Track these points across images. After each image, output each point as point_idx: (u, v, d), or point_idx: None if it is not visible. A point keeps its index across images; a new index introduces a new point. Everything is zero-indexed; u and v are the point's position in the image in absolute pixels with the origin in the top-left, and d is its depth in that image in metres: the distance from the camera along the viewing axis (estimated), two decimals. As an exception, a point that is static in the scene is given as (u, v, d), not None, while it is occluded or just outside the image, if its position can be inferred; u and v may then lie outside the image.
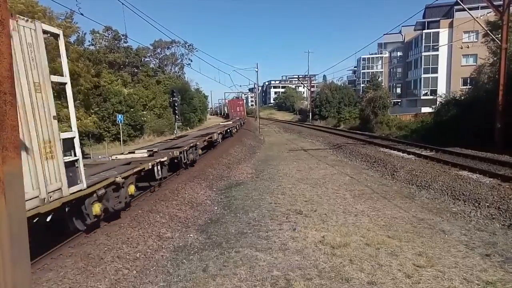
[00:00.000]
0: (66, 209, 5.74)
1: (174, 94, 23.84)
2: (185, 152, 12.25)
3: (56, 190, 5.22)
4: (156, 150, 11.32)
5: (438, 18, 51.22)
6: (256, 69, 39.71)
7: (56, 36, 5.51)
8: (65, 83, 5.63)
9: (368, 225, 7.36)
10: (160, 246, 6.52)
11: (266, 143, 27.31)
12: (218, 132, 20.33)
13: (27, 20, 4.87)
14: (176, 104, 23.59)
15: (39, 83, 4.94)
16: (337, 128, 40.32)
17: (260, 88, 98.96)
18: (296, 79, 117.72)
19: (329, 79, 66.40)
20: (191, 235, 7.20)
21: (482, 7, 36.30)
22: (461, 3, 21.18)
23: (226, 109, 67.92)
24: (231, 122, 34.24)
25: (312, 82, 67.57)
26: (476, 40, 36.56)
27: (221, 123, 35.70)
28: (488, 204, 8.24)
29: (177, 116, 24.34)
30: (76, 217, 6.12)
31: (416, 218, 7.79)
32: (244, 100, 67.44)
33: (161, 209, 8.50)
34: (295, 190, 10.75)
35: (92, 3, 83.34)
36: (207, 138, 17.08)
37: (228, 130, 24.80)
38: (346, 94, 48.73)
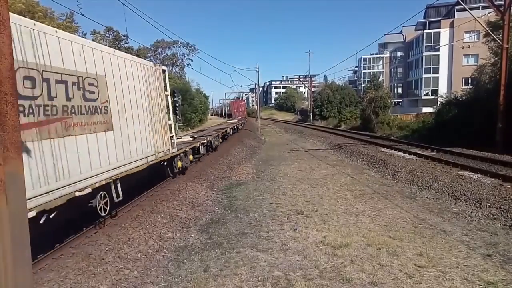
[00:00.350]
0: (165, 163, 10.65)
1: (175, 94, 23.94)
2: (212, 139, 17.89)
3: (167, 150, 10.32)
4: (196, 136, 17.77)
5: (439, 18, 51.17)
6: (257, 70, 39.74)
7: (164, 71, 10.55)
8: (167, 95, 10.64)
9: (369, 225, 7.35)
10: (161, 247, 6.52)
11: (267, 143, 27.31)
12: (230, 127, 27.43)
13: (155, 64, 10.03)
14: (177, 104, 23.73)
15: (161, 96, 10.11)
16: (338, 128, 40.30)
17: (261, 88, 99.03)
18: (297, 79, 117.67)
19: (330, 79, 66.38)
20: (192, 236, 7.20)
21: (483, 7, 36.25)
22: (462, 3, 21.13)
23: (228, 109, 68.86)
24: (237, 120, 41.00)
25: (313, 82, 67.54)
26: (477, 40, 36.50)
27: (228, 121, 42.93)
28: (489, 204, 8.23)
29: (177, 117, 24.45)
30: (170, 168, 11.17)
31: (417, 218, 7.78)
32: (245, 101, 67.58)
33: (162, 209, 8.51)
34: (296, 190, 10.75)
35: (93, 4, 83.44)
36: (223, 131, 22.95)
37: (235, 127, 31.59)
38: (347, 94, 48.66)
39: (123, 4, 12.55)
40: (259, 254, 6.01)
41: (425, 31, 51.72)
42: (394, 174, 12.58)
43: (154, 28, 63.62)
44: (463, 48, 42.41)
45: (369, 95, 34.14)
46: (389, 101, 33.70)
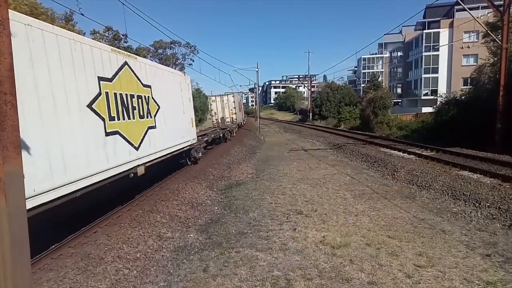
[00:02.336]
0: (190, 149, 14.13)
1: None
2: (225, 132, 24.23)
3: (193, 139, 13.71)
4: (210, 131, 22.76)
5: (439, 18, 51.21)
6: (257, 69, 39.75)
7: (189, 80, 14.04)
8: (190, 98, 13.77)
9: (369, 225, 7.36)
10: (161, 246, 6.52)
11: (267, 143, 27.30)
12: (234, 126, 29.86)
13: (184, 74, 13.62)
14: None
15: (190, 99, 13.72)
16: (338, 128, 40.30)
17: (260, 88, 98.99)
18: (297, 79, 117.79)
19: (330, 79, 66.36)
20: (191, 235, 7.19)
21: (483, 7, 36.30)
22: (461, 3, 21.13)
23: None
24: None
25: (313, 82, 67.50)
26: (477, 40, 36.54)
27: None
28: (488, 204, 8.24)
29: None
30: (189, 156, 14.40)
31: (416, 218, 7.79)
32: (245, 100, 67.52)
33: (161, 209, 8.50)
34: (296, 190, 10.75)
35: (93, 3, 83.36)
36: (228, 128, 26.10)
37: (239, 124, 34.18)
38: (347, 94, 48.63)
39: (123, 4, 12.53)
40: (259, 254, 6.01)
41: (424, 31, 51.75)
42: (394, 174, 12.59)
43: (153, 28, 63.53)
44: (462, 48, 42.51)
45: (369, 95, 34.13)
46: (388, 101, 33.69)
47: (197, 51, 44.51)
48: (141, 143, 8.84)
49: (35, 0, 22.02)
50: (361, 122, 36.63)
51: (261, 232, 7.13)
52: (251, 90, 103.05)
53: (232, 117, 30.30)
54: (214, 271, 5.45)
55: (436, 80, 50.44)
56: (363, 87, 60.91)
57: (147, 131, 9.28)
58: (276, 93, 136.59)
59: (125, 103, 8.13)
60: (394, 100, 54.40)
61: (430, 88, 50.42)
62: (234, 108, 31.05)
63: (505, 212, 7.66)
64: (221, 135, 23.36)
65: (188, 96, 13.59)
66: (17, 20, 4.94)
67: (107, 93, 7.34)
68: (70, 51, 6.21)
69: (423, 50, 50.86)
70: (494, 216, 7.65)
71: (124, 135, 7.97)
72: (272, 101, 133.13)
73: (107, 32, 34.50)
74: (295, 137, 31.85)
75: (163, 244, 6.64)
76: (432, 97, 44.97)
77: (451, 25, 47.51)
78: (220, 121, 29.41)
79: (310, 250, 6.11)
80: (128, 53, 8.98)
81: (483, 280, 4.87)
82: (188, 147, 13.39)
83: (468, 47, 41.59)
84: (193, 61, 45.90)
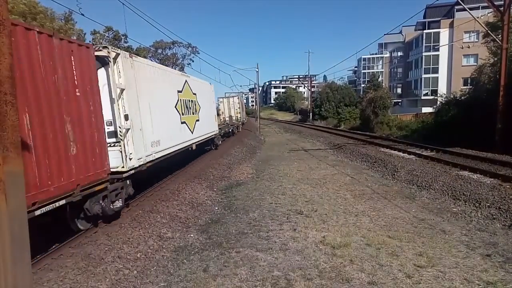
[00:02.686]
0: (214, 138, 19.22)
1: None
2: (233, 128, 29.74)
3: (216, 130, 19.36)
4: (223, 126, 26.79)
5: (439, 18, 51.16)
6: (257, 69, 39.72)
7: (213, 87, 20.27)
8: (213, 100, 20.28)
9: (369, 225, 7.36)
10: (161, 246, 6.52)
11: (267, 143, 27.30)
12: (239, 123, 35.05)
13: (210, 83, 19.94)
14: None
15: (213, 101, 20.76)
16: (338, 128, 40.30)
17: (260, 88, 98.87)
18: (297, 79, 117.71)
19: (330, 79, 66.31)
20: (191, 235, 7.19)
21: (483, 7, 36.29)
22: (461, 3, 21.13)
23: None
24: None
25: (313, 82, 67.52)
26: (477, 40, 36.52)
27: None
28: (488, 204, 8.24)
29: None
30: (213, 143, 19.54)
31: (416, 218, 7.79)
32: (245, 101, 67.52)
33: (161, 209, 8.50)
34: (296, 190, 10.75)
35: (93, 3, 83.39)
36: (235, 125, 31.77)
37: (242, 122, 38.14)
38: (347, 94, 48.59)
39: (123, 4, 12.54)
40: (259, 254, 6.01)
41: (424, 31, 51.71)
42: (394, 174, 12.59)
43: (153, 28, 63.56)
44: (462, 48, 42.42)
45: (369, 95, 34.11)
46: (388, 101, 33.67)
47: (198, 52, 44.53)
48: (193, 130, 14.08)
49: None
50: (361, 122, 36.61)
51: (261, 232, 7.13)
52: (251, 90, 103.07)
53: (237, 116, 35.62)
54: (214, 271, 5.45)
55: (436, 80, 50.40)
56: (363, 87, 60.88)
57: (195, 122, 14.51)
58: (276, 93, 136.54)
59: (187, 105, 13.36)
60: (394, 100, 54.38)
61: (430, 88, 50.36)
62: (239, 108, 36.64)
63: (505, 212, 7.66)
64: (230, 130, 29.27)
65: (213, 99, 20.03)
66: (141, 62, 9.16)
67: (180, 99, 12.44)
68: (168, 77, 11.52)
69: (423, 50, 50.82)
70: (494, 216, 7.65)
71: (187, 124, 13.22)
72: (272, 101, 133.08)
73: (107, 32, 34.50)
74: (295, 137, 31.85)
75: (164, 244, 6.64)
76: (432, 97, 44.92)
77: (451, 25, 47.48)
78: (228, 119, 33.97)
79: (310, 250, 6.11)
80: (186, 74, 15.02)
81: (483, 280, 4.87)
82: (213, 136, 18.85)
83: (468, 47, 41.54)
84: (193, 60, 45.89)
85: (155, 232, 7.08)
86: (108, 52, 7.25)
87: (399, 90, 63.82)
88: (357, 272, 5.20)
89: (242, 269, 5.46)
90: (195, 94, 14.66)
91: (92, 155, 6.36)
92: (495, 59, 19.78)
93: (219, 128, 22.05)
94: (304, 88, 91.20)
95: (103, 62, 7.26)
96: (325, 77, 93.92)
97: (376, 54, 76.29)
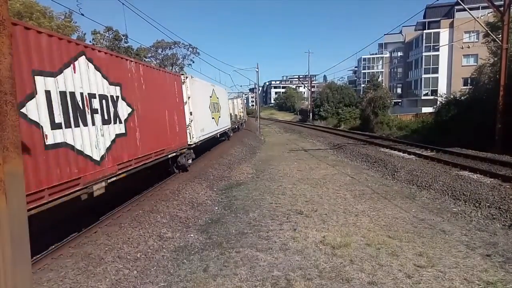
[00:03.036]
0: (226, 132, 24.68)
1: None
2: (239, 125, 35.93)
3: (229, 125, 25.45)
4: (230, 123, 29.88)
5: (439, 18, 51.19)
6: (257, 69, 39.73)
7: (226, 90, 29.86)
8: (226, 101, 26.61)
9: (369, 225, 7.36)
10: (161, 246, 6.52)
11: (267, 143, 27.31)
12: (242, 121, 40.77)
13: (225, 89, 28.88)
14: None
15: (226, 102, 26.63)
16: (338, 128, 40.31)
17: (260, 88, 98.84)
18: (297, 79, 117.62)
19: (330, 79, 66.33)
20: (191, 235, 7.19)
21: (483, 7, 36.31)
22: (461, 3, 21.14)
23: None
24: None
25: (313, 82, 67.49)
26: (477, 40, 36.55)
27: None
28: (488, 204, 8.24)
29: None
30: (227, 135, 25.49)
31: (416, 218, 7.79)
32: (245, 100, 67.61)
33: (161, 209, 8.50)
34: (296, 190, 10.75)
35: (93, 3, 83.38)
36: (241, 122, 37.66)
37: (244, 120, 43.38)
38: (347, 94, 48.60)
39: (123, 4, 12.54)
40: (259, 254, 6.01)
41: (424, 31, 51.74)
42: (394, 174, 12.59)
43: (154, 28, 63.52)
44: (462, 48, 42.51)
45: (369, 95, 34.14)
46: (388, 101, 33.70)
47: (198, 52, 44.45)
48: (218, 123, 19.55)
49: None
50: (361, 122, 36.63)
51: (261, 232, 7.13)
52: (251, 90, 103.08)
53: (240, 115, 40.46)
54: (214, 271, 5.45)
55: (436, 80, 50.42)
56: (363, 87, 60.90)
57: (218, 118, 19.99)
58: (276, 93, 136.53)
59: (214, 106, 18.75)
60: (394, 100, 54.31)
61: (430, 88, 50.39)
62: (242, 108, 42.20)
63: (505, 212, 7.66)
64: (236, 126, 34.46)
65: (226, 100, 26.05)
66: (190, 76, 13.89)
67: (211, 102, 17.96)
68: (205, 87, 17.27)
69: (423, 50, 50.85)
70: (494, 216, 7.65)
71: (214, 119, 18.76)
72: (272, 101, 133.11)
73: (107, 32, 34.49)
74: (295, 137, 31.86)
75: (164, 244, 6.64)
76: (432, 97, 44.94)
77: (451, 25, 47.52)
78: (233, 118, 37.63)
79: (310, 250, 6.11)
80: (212, 84, 20.47)
81: (483, 280, 4.87)
82: (228, 129, 24.78)
83: (468, 47, 41.63)
84: (193, 61, 45.89)
85: (155, 232, 7.08)
86: (185, 77, 13.19)
87: (399, 90, 63.86)
88: (357, 272, 5.20)
89: (242, 269, 5.46)
90: (218, 98, 20.43)
91: (182, 132, 12.49)
92: (495, 59, 19.79)
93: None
94: (304, 88, 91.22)
95: (182, 82, 12.84)
96: (325, 77, 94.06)
97: (376, 54, 76.28)
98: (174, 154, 11.56)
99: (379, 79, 45.80)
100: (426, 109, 39.60)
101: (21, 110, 4.73)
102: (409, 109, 51.61)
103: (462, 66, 46.64)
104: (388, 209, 8.59)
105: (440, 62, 50.20)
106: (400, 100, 61.72)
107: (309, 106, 60.71)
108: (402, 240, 6.45)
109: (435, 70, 50.58)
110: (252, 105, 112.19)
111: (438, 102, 25.47)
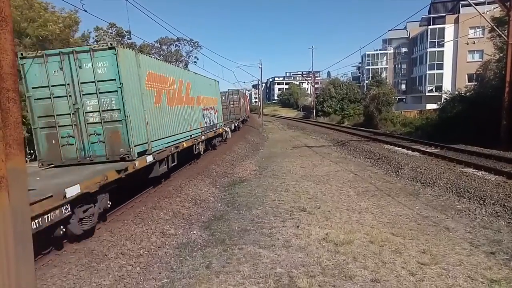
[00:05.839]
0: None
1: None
2: (245, 118, 41.48)
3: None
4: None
5: (444, 14, 50.65)
6: (260, 66, 39.64)
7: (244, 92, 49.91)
8: (242, 100, 41.57)
9: (372, 223, 7.33)
10: (164, 243, 6.54)
11: (270, 140, 27.28)
12: (247, 115, 44.59)
13: (238, 90, 40.01)
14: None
15: (242, 102, 41.44)
16: (341, 124, 40.15)
17: (263, 84, 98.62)
18: (300, 75, 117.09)
19: (334, 76, 66.06)
20: (194, 232, 7.21)
21: (489, 2, 35.81)
22: (467, -2, 20.90)
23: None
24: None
25: (316, 78, 67.27)
26: (482, 36, 36.11)
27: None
28: (493, 202, 8.18)
29: None
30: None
31: (420, 216, 7.75)
32: (248, 97, 67.61)
33: (164, 205, 8.53)
34: (299, 187, 10.74)
35: (96, 0, 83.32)
36: (241, 119, 36.42)
37: (247, 118, 44.51)
38: (351, 91, 48.40)
39: (126, 0, 12.50)
40: (262, 251, 6.02)
41: (429, 26, 51.19)
42: (397, 171, 12.53)
43: (156, 24, 63.47)
44: (467, 44, 41.93)
45: (372, 92, 33.96)
46: (392, 97, 33.50)
47: (200, 47, 44.41)
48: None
49: None
50: (364, 118, 36.46)
51: (264, 229, 7.13)
52: (255, 86, 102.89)
53: (246, 109, 45.08)
54: (217, 267, 5.46)
55: (441, 76, 49.97)
56: (367, 83, 60.53)
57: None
58: (279, 89, 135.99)
59: (226, 105, 30.21)
60: (398, 97, 53.95)
61: (435, 85, 49.95)
62: (248, 104, 46.65)
63: (510, 209, 7.59)
64: (244, 118, 38.94)
65: (241, 99, 35.49)
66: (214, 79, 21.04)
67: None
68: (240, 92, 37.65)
69: (428, 46, 50.35)
70: (499, 214, 7.59)
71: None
72: (276, 98, 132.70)
73: (110, 29, 34.47)
74: (298, 133, 31.79)
75: (166, 240, 6.66)
76: (436, 93, 44.62)
77: (456, 21, 46.94)
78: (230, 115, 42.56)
79: (313, 247, 6.10)
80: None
81: (487, 278, 4.84)
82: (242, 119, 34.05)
83: (474, 43, 41.01)
84: (197, 59, 45.97)
85: (158, 229, 7.11)
86: (245, 91, 20.21)
87: (403, 87, 63.36)
88: (360, 269, 5.19)
89: (245, 265, 5.47)
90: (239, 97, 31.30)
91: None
92: (501, 55, 19.61)
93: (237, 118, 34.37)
94: (307, 84, 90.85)
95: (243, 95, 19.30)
96: (329, 73, 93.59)
97: (380, 50, 75.66)
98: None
99: (383, 75, 45.50)
100: (431, 106, 39.33)
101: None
102: (413, 105, 51.22)
103: (467, 62, 46.17)
104: (392, 206, 8.56)
105: (445, 58, 49.70)
106: (405, 97, 61.30)
107: (312, 102, 60.52)
108: (406, 237, 6.43)
109: (440, 66, 50.10)
110: (255, 102, 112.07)
111: (443, 99, 25.34)
